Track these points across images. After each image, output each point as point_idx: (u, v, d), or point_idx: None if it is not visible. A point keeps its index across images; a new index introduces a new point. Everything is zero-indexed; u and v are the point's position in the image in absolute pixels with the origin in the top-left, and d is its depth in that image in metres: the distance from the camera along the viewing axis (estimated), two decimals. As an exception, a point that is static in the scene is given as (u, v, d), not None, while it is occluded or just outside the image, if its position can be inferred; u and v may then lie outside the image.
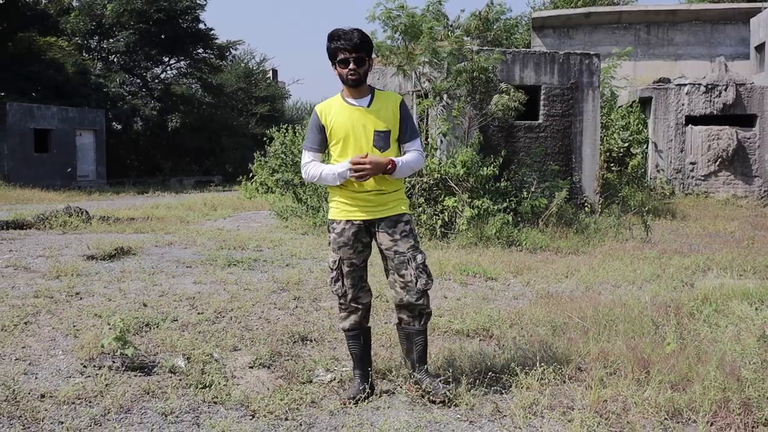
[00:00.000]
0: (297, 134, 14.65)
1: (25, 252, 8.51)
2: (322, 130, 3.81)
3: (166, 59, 37.93)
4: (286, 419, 3.48)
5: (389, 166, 3.67)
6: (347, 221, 3.79)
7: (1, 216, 12.35)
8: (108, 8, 33.09)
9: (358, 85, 3.75)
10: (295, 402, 3.68)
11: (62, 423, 3.31)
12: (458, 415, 3.56)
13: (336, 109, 3.80)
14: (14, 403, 3.50)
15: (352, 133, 3.75)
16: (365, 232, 3.82)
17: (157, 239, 9.83)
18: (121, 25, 33.87)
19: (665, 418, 3.41)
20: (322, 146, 3.86)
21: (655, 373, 3.88)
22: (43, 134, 26.99)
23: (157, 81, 37.92)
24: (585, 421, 3.32)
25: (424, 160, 3.91)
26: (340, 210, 3.82)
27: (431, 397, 3.68)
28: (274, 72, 48.82)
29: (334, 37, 3.72)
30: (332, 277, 3.86)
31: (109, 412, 3.47)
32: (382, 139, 3.72)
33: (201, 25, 37.05)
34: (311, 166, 3.83)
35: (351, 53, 3.67)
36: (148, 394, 3.76)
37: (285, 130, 14.59)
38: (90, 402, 3.60)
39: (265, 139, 15.79)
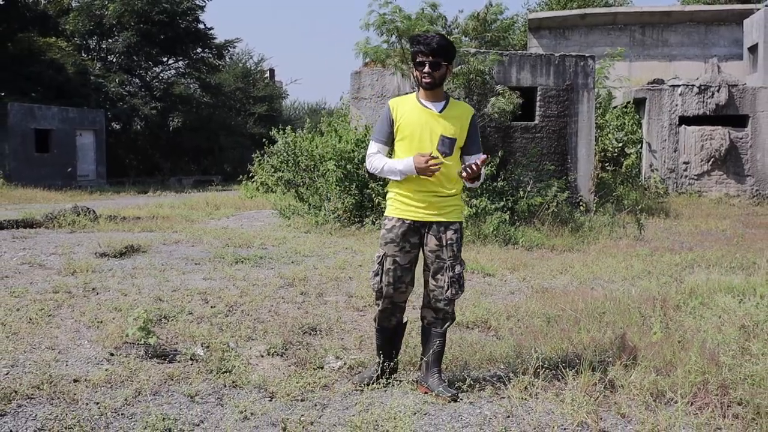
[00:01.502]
0: (298, 134, 14.95)
1: (38, 250, 8.79)
2: (391, 124, 3.96)
3: (165, 59, 38.21)
4: (302, 400, 3.79)
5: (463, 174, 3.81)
6: (399, 219, 3.92)
7: (11, 215, 12.63)
8: (109, 8, 33.36)
9: (431, 88, 3.90)
10: (310, 385, 3.98)
11: (98, 403, 3.61)
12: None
13: (408, 107, 3.95)
14: (52, 385, 3.81)
15: (418, 132, 3.89)
16: (415, 232, 3.92)
17: (164, 237, 10.11)
18: (122, 25, 34.15)
19: (648, 399, 3.73)
20: (389, 139, 4.00)
21: (641, 359, 4.20)
22: (44, 134, 27.25)
23: (156, 81, 38.21)
24: (575, 400, 3.63)
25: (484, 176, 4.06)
26: (395, 207, 3.95)
27: (439, 399, 3.80)
28: (271, 72, 49.09)
29: (414, 41, 3.91)
30: (373, 271, 3.98)
31: (140, 394, 3.78)
32: (446, 145, 3.86)
33: (200, 25, 37.38)
34: (375, 158, 3.99)
35: (428, 57, 3.83)
36: (172, 379, 4.07)
37: (285, 131, 14.87)
38: (121, 385, 3.91)
39: (265, 140, 16.07)
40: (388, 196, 4.05)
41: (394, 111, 3.97)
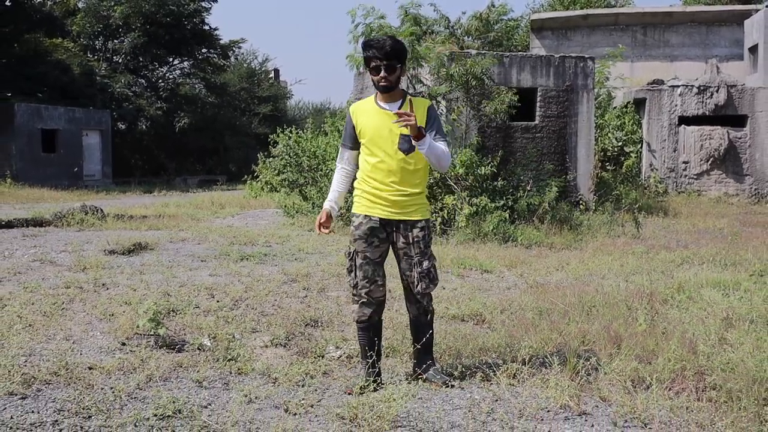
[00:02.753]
0: (301, 136, 15.20)
1: (48, 247, 9.04)
2: (353, 128, 4.11)
3: (171, 59, 38.51)
4: (303, 385, 4.03)
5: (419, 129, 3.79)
6: (365, 216, 4.05)
7: (20, 214, 12.90)
8: (116, 10, 33.66)
9: (388, 91, 4.01)
10: (310, 372, 4.23)
11: (112, 388, 3.86)
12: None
13: (367, 111, 4.08)
14: (68, 372, 4.05)
15: (378, 134, 4.00)
16: (382, 229, 4.04)
17: (171, 236, 10.36)
18: (128, 26, 34.46)
19: (629, 384, 3.96)
20: (355, 143, 4.14)
21: (624, 348, 4.43)
22: (51, 134, 27.53)
23: (161, 81, 38.51)
24: (559, 384, 3.87)
25: (450, 160, 4.07)
26: (361, 204, 4.08)
27: (431, 385, 4.02)
28: (276, 72, 49.37)
29: (367, 46, 3.99)
30: (347, 268, 4.13)
31: (151, 380, 4.03)
32: (407, 142, 3.95)
33: (206, 26, 37.67)
34: (336, 172, 4.28)
35: (382, 61, 3.91)
36: (181, 366, 4.31)
37: (289, 132, 15.11)
38: (133, 372, 4.16)
39: (269, 140, 16.34)
40: (354, 193, 4.17)
41: (354, 116, 4.12)
